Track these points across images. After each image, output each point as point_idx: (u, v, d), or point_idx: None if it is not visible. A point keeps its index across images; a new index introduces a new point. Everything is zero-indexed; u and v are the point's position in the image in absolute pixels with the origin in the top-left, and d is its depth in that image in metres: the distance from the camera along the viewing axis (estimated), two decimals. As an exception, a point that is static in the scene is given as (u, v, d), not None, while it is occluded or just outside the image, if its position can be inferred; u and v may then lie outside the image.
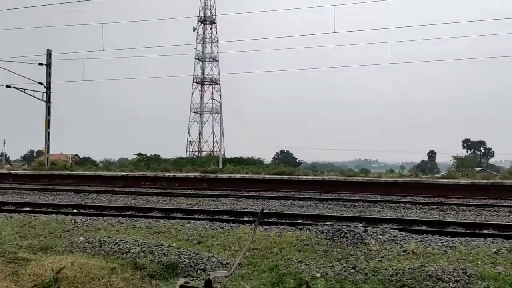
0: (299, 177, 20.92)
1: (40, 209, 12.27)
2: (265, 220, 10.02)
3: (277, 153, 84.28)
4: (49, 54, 31.61)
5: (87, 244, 7.64)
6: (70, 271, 5.91)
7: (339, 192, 18.14)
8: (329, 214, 11.27)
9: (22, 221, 10.20)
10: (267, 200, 15.13)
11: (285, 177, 21.05)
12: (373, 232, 8.09)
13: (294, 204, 13.98)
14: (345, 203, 14.29)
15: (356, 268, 6.21)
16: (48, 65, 31.45)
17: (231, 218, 10.71)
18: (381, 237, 7.92)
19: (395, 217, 11.06)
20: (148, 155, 41.03)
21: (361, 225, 9.13)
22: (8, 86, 30.20)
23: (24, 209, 12.36)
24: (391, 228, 8.80)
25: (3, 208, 12.51)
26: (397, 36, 74.87)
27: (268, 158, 65.03)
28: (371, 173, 25.97)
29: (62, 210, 12.05)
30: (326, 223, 9.34)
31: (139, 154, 43.03)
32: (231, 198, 15.29)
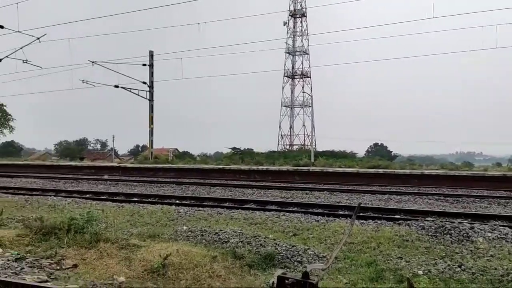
0: (396, 170, 20.14)
1: (147, 200, 13.25)
2: (361, 214, 9.81)
3: (370, 146, 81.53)
4: (151, 55, 33.83)
5: (189, 233, 8.11)
6: (176, 258, 6.31)
7: (439, 186, 17.13)
8: (429, 210, 10.71)
9: (132, 210, 11.09)
10: (362, 194, 14.79)
11: (380, 170, 20.38)
12: (481, 230, 7.54)
13: (391, 199, 13.49)
14: (447, 198, 13.45)
15: (462, 266, 5.83)
16: (151, 66, 33.69)
17: (325, 211, 10.65)
18: (489, 234, 7.35)
19: (505, 214, 10.18)
20: (242, 149, 42.21)
21: (466, 221, 8.54)
22: (116, 86, 32.90)
23: (133, 199, 13.41)
24: (500, 226, 8.13)
25: (115, 198, 13.72)
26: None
27: (361, 152, 63.25)
28: (476, 167, 24.13)
29: (166, 201, 12.86)
30: (427, 218, 8.89)
31: (233, 148, 44.44)
32: (325, 192, 15.18)
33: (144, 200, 13.18)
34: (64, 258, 6.49)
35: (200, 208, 11.16)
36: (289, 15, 68.07)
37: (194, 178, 21.94)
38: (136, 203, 12.32)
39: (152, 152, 33.81)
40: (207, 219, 9.70)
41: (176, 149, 66.53)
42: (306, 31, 68.48)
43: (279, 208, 11.14)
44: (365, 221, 8.94)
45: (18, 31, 11.72)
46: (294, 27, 68.73)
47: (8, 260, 6.38)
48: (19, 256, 6.67)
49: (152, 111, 33.57)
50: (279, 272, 3.13)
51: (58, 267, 6.14)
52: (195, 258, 6.37)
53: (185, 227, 8.52)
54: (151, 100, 33.53)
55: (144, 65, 33.40)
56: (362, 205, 10.88)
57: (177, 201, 12.92)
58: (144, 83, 33.43)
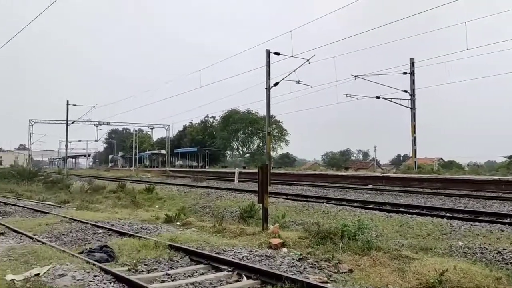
0: None
1: (415, 211, 12.82)
2: None
3: None
4: (412, 62, 32.93)
5: (466, 249, 7.45)
6: (453, 275, 5.88)
7: None
8: None
9: (400, 221, 10.94)
10: None
11: None
12: None
13: None
14: None
15: None
16: (412, 73, 32.78)
17: None
18: None
19: None
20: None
21: None
22: (377, 97, 33.36)
23: (400, 209, 13.20)
24: None
25: (382, 207, 13.81)
26: None
27: None
28: None
29: (436, 213, 12.16)
30: None
31: (510, 157, 38.61)
32: None
33: (411, 211, 12.80)
34: (340, 262, 6.92)
35: (476, 223, 10.09)
36: None
37: (464, 190, 20.01)
38: (404, 214, 12.08)
39: (415, 162, 32.68)
40: (485, 236, 8.70)
41: (441, 159, 62.36)
42: None
43: None
44: None
45: (292, 56, 13.32)
46: None
47: (293, 259, 7.23)
48: (301, 256, 7.47)
49: (414, 120, 32.53)
50: None
51: (336, 270, 6.58)
52: (476, 277, 5.80)
53: (460, 243, 7.88)
54: (412, 108, 32.56)
55: (405, 73, 32.76)
56: None
57: (448, 214, 12.02)
58: (405, 91, 32.76)
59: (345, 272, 6.47)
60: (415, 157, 33.00)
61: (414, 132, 32.67)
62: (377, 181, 26.94)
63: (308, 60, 13.12)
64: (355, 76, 32.25)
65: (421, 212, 12.60)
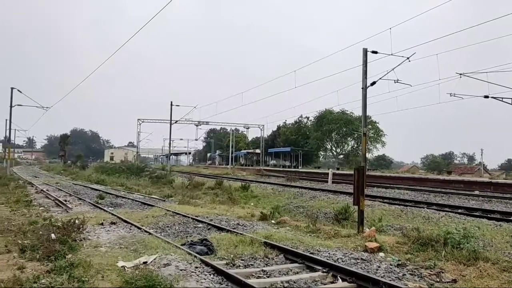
0: None
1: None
2: None
3: None
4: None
5: None
6: None
7: None
8: None
9: (511, 230, 10.00)
10: None
11: None
12: None
13: None
14: None
15: None
16: (527, 70, 29.67)
17: None
18: None
19: None
20: None
21: None
22: (486, 97, 30.65)
23: (510, 218, 12.08)
24: None
25: (490, 215, 12.73)
26: None
27: None
28: None
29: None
30: None
31: None
32: None
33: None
34: (442, 271, 6.52)
35: None
36: None
37: None
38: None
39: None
40: None
41: None
42: None
43: None
44: None
45: (391, 54, 12.78)
46: None
47: (391, 265, 6.97)
48: (400, 262, 7.17)
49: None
50: None
51: (438, 279, 6.21)
52: None
53: None
54: (528, 108, 29.46)
55: (520, 70, 29.74)
56: None
57: None
58: (520, 89, 29.74)
59: (448, 282, 6.09)
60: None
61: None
62: (484, 187, 24.93)
63: (408, 58, 12.48)
64: (460, 74, 30.03)
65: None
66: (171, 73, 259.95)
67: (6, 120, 41.16)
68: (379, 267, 6.81)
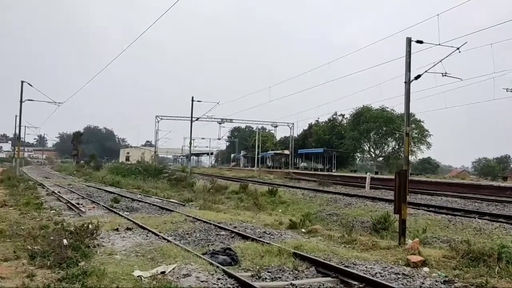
0: None
1: None
2: None
3: None
4: None
5: None
6: None
7: None
8: None
9: None
10: None
11: None
12: None
13: None
14: None
15: None
16: None
17: None
18: None
19: None
20: None
21: None
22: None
23: None
24: None
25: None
26: None
27: None
28: None
29: None
30: None
31: None
32: None
33: None
34: (496, 290, 6.37)
35: None
36: None
37: None
38: None
39: None
40: None
41: None
42: None
43: None
44: None
45: (438, 44, 12.50)
46: None
47: (436, 281, 6.85)
48: (447, 278, 7.04)
49: None
50: None
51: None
52: None
53: None
54: None
55: None
56: None
57: None
58: None
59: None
60: None
61: None
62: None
63: (458, 48, 12.17)
64: (518, 66, 29.18)
65: None
66: (194, 67, 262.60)
67: (16, 116, 42.39)
68: (423, 283, 6.72)
